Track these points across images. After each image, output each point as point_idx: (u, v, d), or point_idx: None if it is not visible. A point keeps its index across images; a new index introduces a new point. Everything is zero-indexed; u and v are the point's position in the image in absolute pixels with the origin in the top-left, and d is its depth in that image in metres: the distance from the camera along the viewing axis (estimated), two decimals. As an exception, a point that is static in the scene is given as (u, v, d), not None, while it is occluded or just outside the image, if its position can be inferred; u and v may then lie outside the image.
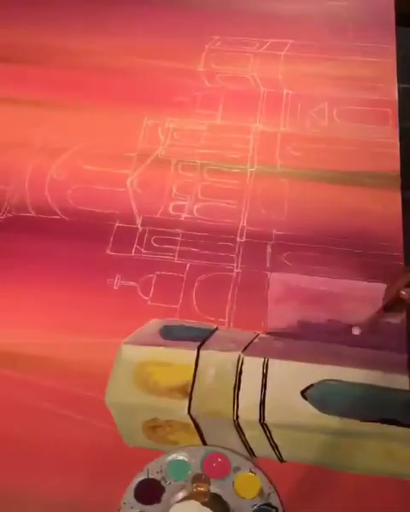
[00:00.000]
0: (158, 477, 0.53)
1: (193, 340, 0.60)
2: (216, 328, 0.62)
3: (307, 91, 0.81)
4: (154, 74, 0.83)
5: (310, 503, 0.53)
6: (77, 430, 0.57)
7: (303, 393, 0.55)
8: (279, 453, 0.55)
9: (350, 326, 0.60)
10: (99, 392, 0.57)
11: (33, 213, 0.71)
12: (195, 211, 0.71)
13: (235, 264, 0.67)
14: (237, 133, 0.78)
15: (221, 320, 0.63)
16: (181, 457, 0.54)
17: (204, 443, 0.56)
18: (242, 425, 0.55)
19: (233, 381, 0.56)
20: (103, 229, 0.70)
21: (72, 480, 0.55)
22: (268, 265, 0.67)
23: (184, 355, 0.58)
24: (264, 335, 0.62)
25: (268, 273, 0.66)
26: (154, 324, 0.62)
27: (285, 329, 0.62)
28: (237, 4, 0.91)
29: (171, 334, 0.61)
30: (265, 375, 0.56)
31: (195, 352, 0.58)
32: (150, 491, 0.52)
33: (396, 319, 0.61)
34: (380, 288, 0.63)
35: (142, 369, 0.57)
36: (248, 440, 0.55)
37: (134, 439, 0.56)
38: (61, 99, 0.81)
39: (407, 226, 0.68)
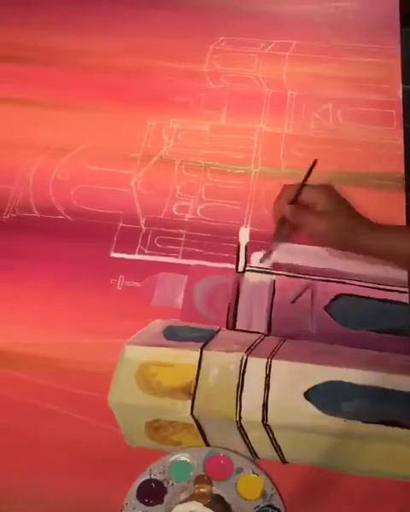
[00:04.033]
0: (160, 478, 0.53)
1: (196, 340, 0.59)
2: (219, 329, 0.62)
3: (312, 92, 0.81)
4: (158, 75, 0.83)
5: (313, 505, 0.53)
6: (79, 430, 0.57)
7: (306, 394, 0.55)
8: (282, 454, 0.55)
9: None
10: (102, 392, 0.57)
11: (37, 213, 0.71)
12: (198, 211, 0.71)
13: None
14: (241, 134, 0.78)
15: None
16: (183, 458, 0.54)
17: (207, 444, 0.56)
18: (244, 426, 0.55)
19: (236, 382, 0.56)
20: (107, 230, 0.70)
21: (74, 480, 0.55)
22: (272, 267, 0.66)
23: (187, 356, 0.58)
24: (267, 336, 0.62)
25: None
26: (157, 325, 0.62)
27: (289, 330, 0.62)
28: (242, 5, 0.91)
29: (174, 335, 0.61)
30: (268, 376, 0.56)
31: (198, 353, 0.57)
32: (153, 492, 0.52)
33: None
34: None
35: (145, 369, 0.57)
36: (251, 441, 0.55)
37: (137, 440, 0.56)
38: (65, 99, 0.81)
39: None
